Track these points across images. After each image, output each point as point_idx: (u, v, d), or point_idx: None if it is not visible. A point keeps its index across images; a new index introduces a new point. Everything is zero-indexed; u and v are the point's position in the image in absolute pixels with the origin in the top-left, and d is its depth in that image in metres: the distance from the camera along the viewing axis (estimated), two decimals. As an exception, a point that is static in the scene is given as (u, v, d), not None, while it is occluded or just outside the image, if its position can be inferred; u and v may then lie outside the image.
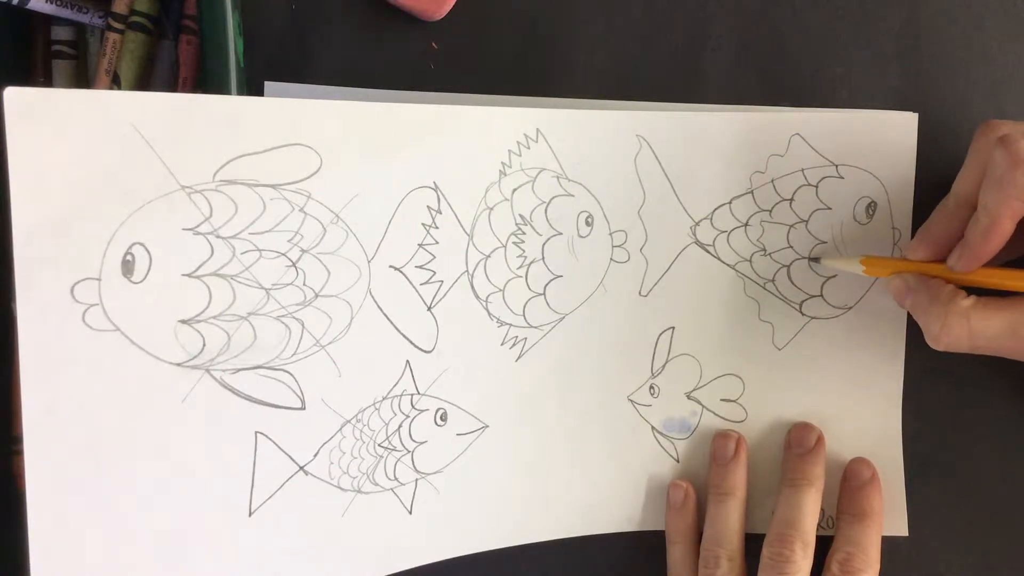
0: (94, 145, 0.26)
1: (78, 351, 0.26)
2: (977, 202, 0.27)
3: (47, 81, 0.35)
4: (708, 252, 0.34)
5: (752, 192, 0.33)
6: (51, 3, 0.33)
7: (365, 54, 0.33)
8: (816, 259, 0.33)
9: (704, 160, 0.33)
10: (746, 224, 0.33)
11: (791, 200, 0.33)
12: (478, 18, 0.34)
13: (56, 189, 0.26)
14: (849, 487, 0.33)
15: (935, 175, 0.33)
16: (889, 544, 0.33)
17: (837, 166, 0.33)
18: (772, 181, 0.33)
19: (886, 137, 0.33)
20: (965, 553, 0.34)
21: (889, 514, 0.34)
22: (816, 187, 0.33)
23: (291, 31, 0.33)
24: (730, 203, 0.33)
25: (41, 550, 0.26)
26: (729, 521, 0.32)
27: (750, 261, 0.34)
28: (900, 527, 0.34)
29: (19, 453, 0.34)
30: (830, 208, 0.33)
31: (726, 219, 0.33)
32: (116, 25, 0.33)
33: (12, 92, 0.25)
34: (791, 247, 0.34)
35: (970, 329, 0.27)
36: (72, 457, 0.27)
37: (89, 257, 0.26)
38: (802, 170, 0.33)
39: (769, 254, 0.34)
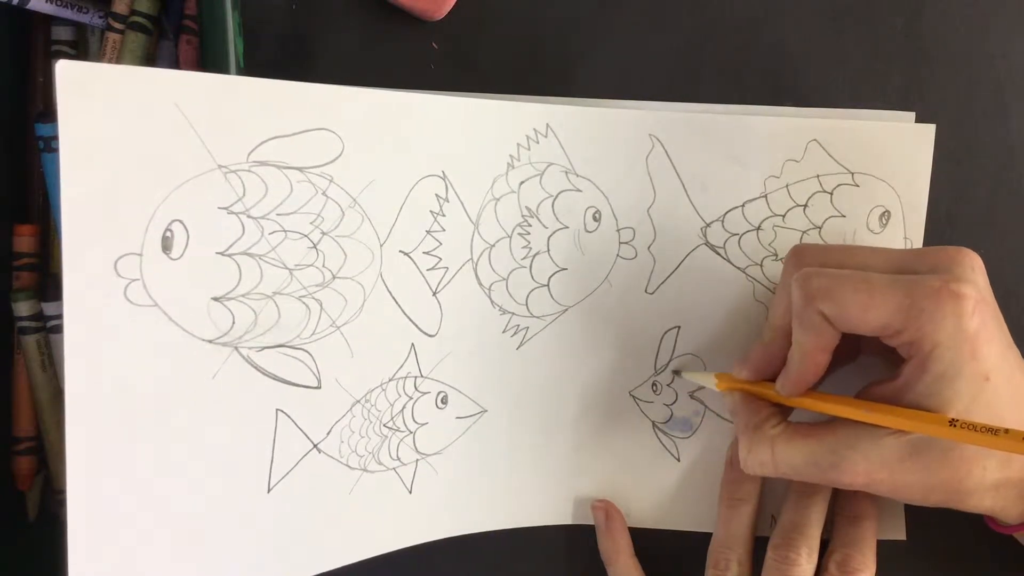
0: (140, 121, 0.27)
1: (120, 326, 0.28)
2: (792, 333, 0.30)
3: (46, 81, 0.36)
4: (718, 254, 0.36)
5: (766, 196, 0.35)
6: (51, 3, 0.34)
7: (365, 54, 0.35)
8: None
9: (718, 162, 0.35)
10: (758, 228, 0.35)
11: (805, 206, 0.35)
12: (478, 18, 0.36)
13: (103, 163, 0.27)
14: (846, 489, 0.35)
15: (935, 177, 0.35)
16: (887, 549, 0.34)
17: (853, 174, 0.35)
18: (787, 186, 0.35)
19: (903, 148, 0.35)
20: (963, 558, 0.36)
21: (887, 519, 0.36)
22: (831, 194, 0.35)
23: (291, 31, 0.35)
24: (743, 206, 0.35)
25: (79, 522, 0.28)
26: (741, 526, 0.34)
27: (761, 265, 0.36)
28: (898, 532, 0.36)
29: (19, 453, 0.37)
30: (844, 216, 0.35)
31: (738, 222, 0.35)
32: (116, 25, 0.35)
33: (64, 64, 0.26)
34: (804, 253, 0.36)
35: (774, 456, 0.30)
36: (110, 432, 0.28)
37: (132, 232, 0.28)
38: (818, 176, 0.35)
39: (781, 259, 0.35)
